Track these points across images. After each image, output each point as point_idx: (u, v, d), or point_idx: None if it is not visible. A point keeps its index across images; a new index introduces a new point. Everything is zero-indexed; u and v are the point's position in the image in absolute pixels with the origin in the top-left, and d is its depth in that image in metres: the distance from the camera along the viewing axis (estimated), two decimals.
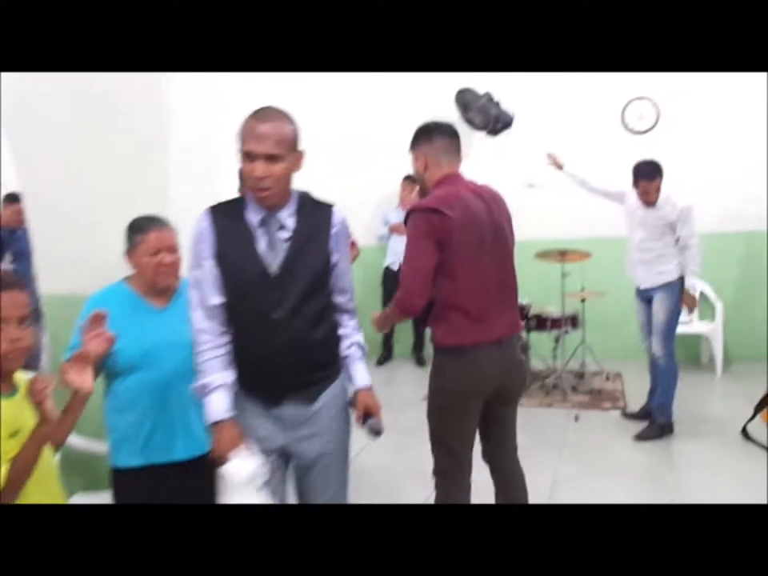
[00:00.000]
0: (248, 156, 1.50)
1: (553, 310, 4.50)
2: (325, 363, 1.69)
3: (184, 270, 1.81)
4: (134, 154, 2.39)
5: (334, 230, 1.64)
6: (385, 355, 5.79)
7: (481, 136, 5.40)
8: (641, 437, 3.57)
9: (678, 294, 3.59)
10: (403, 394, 4.80)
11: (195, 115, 2.56)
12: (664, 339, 3.58)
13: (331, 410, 1.69)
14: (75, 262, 2.43)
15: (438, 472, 2.12)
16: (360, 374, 1.74)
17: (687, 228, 3.52)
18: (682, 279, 3.59)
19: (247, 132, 1.51)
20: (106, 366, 1.77)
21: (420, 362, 5.65)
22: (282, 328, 1.57)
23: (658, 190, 3.49)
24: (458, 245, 1.94)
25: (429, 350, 5.62)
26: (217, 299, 1.60)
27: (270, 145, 1.48)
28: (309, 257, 1.60)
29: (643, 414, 3.90)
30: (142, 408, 1.80)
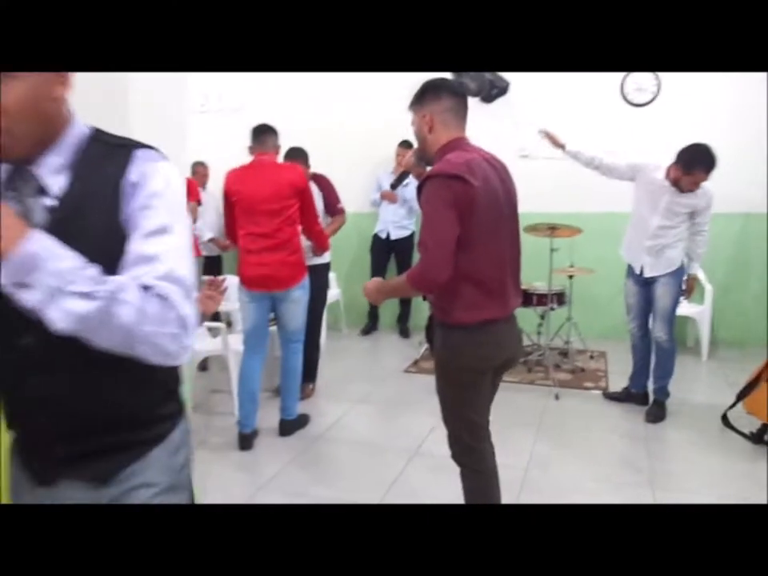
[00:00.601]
0: None
1: (540, 285, 4.40)
2: (125, 421, 1.04)
3: None
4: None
5: (135, 186, 0.96)
6: (370, 325, 5.72)
7: (474, 102, 5.22)
8: (653, 419, 3.54)
9: (681, 278, 3.54)
10: (385, 365, 4.71)
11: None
12: (668, 323, 3.53)
13: (147, 494, 1.06)
14: None
15: (460, 448, 2.05)
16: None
17: (708, 215, 3.45)
18: (683, 263, 3.54)
19: None
20: None
21: (404, 333, 5.57)
22: (36, 361, 0.95)
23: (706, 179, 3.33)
24: (479, 215, 1.81)
25: (414, 321, 5.56)
26: None
27: None
28: (87, 236, 0.94)
29: (625, 396, 3.85)
30: None
